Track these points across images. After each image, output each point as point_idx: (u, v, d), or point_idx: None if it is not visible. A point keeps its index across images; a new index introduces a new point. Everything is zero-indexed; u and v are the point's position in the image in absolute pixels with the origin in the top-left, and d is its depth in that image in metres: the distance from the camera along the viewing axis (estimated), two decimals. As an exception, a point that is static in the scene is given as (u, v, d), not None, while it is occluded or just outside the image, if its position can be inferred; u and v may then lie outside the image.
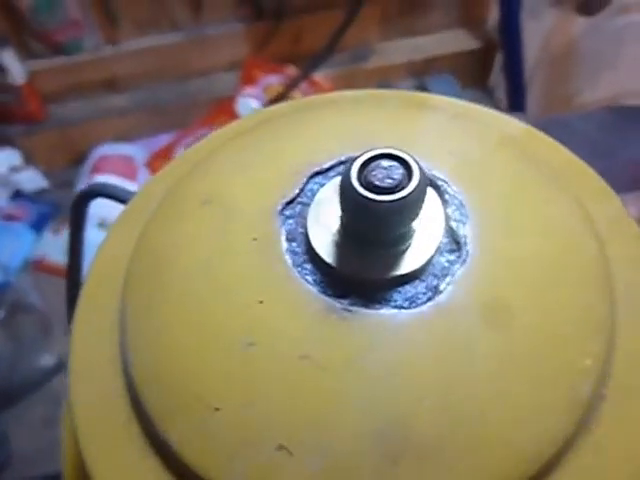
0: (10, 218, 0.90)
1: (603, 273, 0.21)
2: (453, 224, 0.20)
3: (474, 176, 0.22)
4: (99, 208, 0.32)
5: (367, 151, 0.19)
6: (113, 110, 1.00)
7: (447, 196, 0.21)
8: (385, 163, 0.18)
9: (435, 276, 0.19)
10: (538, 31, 1.02)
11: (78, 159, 1.00)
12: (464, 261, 0.19)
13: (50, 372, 0.77)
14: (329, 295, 0.19)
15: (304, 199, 0.21)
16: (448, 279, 0.19)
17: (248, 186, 0.22)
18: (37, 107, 0.98)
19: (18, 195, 0.94)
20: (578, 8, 0.97)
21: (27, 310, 0.81)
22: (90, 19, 0.96)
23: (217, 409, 0.17)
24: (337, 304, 0.18)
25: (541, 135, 0.26)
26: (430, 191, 0.21)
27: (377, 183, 0.18)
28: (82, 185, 0.92)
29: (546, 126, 0.28)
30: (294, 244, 0.20)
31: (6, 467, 0.70)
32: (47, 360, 0.77)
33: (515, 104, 1.00)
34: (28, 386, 0.76)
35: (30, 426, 0.73)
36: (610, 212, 0.23)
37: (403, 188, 0.18)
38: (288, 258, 0.20)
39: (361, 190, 0.18)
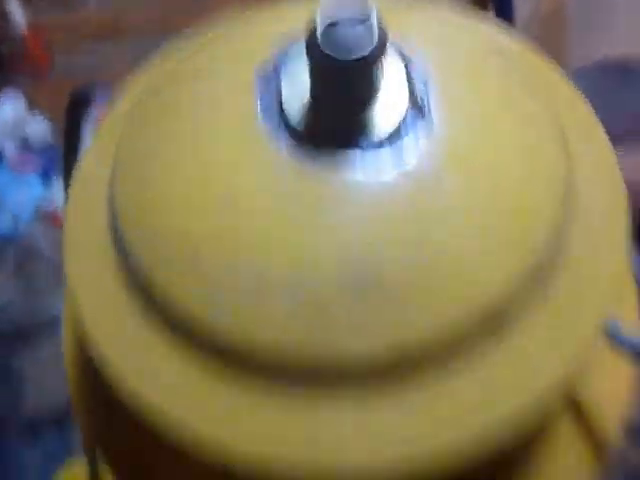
0: (19, 168, 0.92)
1: (560, 134, 0.22)
2: (417, 94, 0.21)
3: (446, 57, 0.22)
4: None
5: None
6: (117, 60, 1.01)
7: (412, 70, 0.22)
8: (349, 24, 0.19)
9: (401, 142, 0.20)
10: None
11: (82, 108, 1.01)
12: (429, 129, 0.20)
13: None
14: (298, 158, 0.20)
15: (280, 70, 0.22)
16: (414, 144, 0.20)
17: (227, 59, 0.23)
18: (42, 56, 0.99)
19: (26, 145, 0.95)
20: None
21: (39, 259, 0.85)
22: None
23: (198, 246, 0.19)
24: (305, 166, 0.19)
25: (537, 56, 0.26)
26: (394, 61, 0.21)
27: (340, 41, 0.18)
28: (87, 137, 0.93)
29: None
30: (268, 112, 0.21)
31: (20, 405, 0.76)
32: (59, 308, 0.82)
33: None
34: (41, 327, 0.81)
35: (44, 364, 0.78)
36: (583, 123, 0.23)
37: (365, 47, 0.18)
38: (261, 125, 0.20)
39: (324, 46, 0.18)
